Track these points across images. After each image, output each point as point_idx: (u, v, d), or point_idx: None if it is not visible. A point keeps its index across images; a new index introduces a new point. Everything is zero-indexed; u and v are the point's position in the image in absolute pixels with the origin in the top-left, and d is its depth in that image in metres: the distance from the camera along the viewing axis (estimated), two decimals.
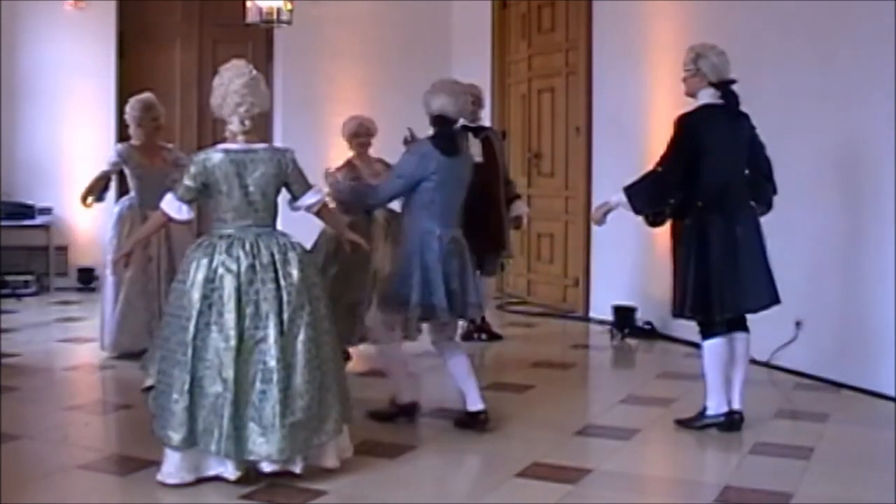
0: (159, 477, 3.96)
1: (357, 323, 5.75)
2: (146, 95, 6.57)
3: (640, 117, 7.48)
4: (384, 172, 5.83)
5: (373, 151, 6.02)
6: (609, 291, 7.81)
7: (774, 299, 4.87)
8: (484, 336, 7.16)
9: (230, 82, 4.05)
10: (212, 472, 3.97)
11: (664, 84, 6.99)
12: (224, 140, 4.12)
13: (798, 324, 5.94)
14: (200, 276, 3.94)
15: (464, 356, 4.98)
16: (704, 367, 4.86)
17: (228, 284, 3.93)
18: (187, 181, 4.07)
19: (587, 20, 8.23)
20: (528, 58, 9.17)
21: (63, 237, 9.35)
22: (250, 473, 3.97)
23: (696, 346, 5.26)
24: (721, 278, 4.68)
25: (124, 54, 9.66)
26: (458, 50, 10.05)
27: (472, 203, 6.67)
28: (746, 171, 4.85)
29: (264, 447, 3.88)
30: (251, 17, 7.04)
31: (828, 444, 4.71)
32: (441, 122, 4.78)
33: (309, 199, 4.25)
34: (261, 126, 4.22)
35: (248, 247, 3.99)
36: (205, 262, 3.97)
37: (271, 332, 3.92)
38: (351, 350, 6.00)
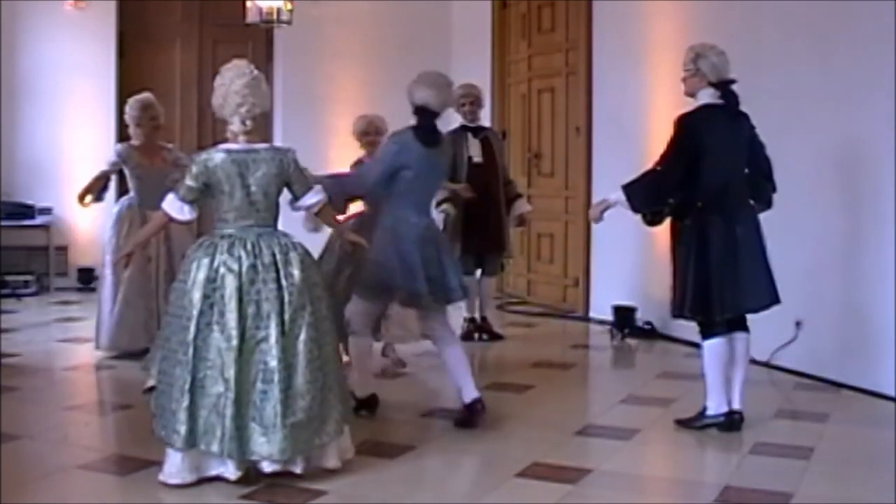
0: (161, 477, 3.96)
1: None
2: (144, 95, 6.57)
3: (640, 117, 7.48)
4: None
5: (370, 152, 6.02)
6: (609, 291, 7.81)
7: (774, 299, 4.87)
8: (485, 336, 7.16)
9: (231, 82, 4.05)
10: (212, 473, 3.97)
11: (664, 84, 6.99)
12: (225, 140, 4.12)
13: (798, 324, 5.94)
14: (202, 276, 3.94)
15: (458, 346, 5.02)
16: (704, 367, 4.86)
17: (230, 284, 3.93)
18: (189, 181, 4.07)
19: (587, 20, 8.23)
20: (528, 58, 9.18)
21: (63, 237, 9.35)
22: (250, 473, 3.97)
23: (696, 346, 5.26)
24: (721, 278, 4.68)
25: (124, 54, 9.66)
26: (458, 50, 10.05)
27: (473, 203, 6.74)
28: (746, 171, 4.84)
29: (265, 447, 3.88)
30: (251, 17, 7.04)
31: (828, 444, 4.71)
32: (423, 113, 4.86)
33: (310, 199, 4.25)
34: (262, 126, 4.22)
35: (249, 247, 3.99)
36: (206, 261, 3.97)
37: (273, 333, 3.91)
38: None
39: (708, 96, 4.77)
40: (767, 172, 4.92)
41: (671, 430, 4.92)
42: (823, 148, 5.88)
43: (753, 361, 5.32)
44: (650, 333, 7.26)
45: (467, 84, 7.11)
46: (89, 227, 8.83)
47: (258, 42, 9.78)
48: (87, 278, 9.20)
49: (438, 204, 6.47)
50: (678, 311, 4.85)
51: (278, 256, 4.00)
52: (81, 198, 6.41)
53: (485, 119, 7.65)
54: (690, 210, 4.72)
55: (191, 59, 9.97)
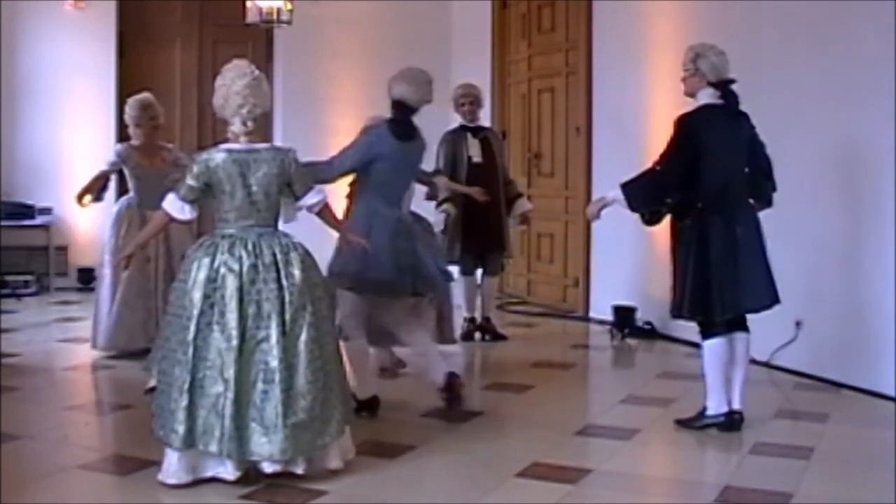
0: (160, 477, 3.96)
1: None
2: (144, 95, 6.57)
3: (640, 117, 7.48)
4: None
5: None
6: (609, 291, 7.81)
7: (774, 299, 4.87)
8: (487, 337, 7.16)
9: (233, 83, 4.05)
10: (209, 474, 3.97)
11: (664, 84, 6.99)
12: (226, 140, 4.12)
13: (798, 324, 5.94)
14: (202, 276, 3.94)
15: (426, 333, 5.10)
16: (704, 367, 4.86)
17: (230, 284, 3.92)
18: (190, 181, 4.07)
19: (587, 20, 8.23)
20: (528, 58, 9.17)
21: (63, 237, 9.35)
22: (250, 473, 3.97)
23: (696, 346, 5.26)
24: (721, 278, 4.68)
25: (124, 54, 9.66)
26: (458, 50, 10.05)
27: (472, 203, 6.75)
28: (746, 170, 4.84)
29: (266, 447, 3.88)
30: (251, 17, 7.04)
31: (828, 444, 4.71)
32: (399, 107, 4.97)
33: (311, 199, 4.25)
34: (262, 126, 4.22)
35: (250, 246, 3.99)
36: (206, 261, 3.97)
37: (273, 333, 3.91)
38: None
39: (708, 96, 4.77)
40: (768, 172, 4.92)
41: (671, 430, 4.92)
42: (823, 148, 5.88)
43: (753, 361, 5.31)
44: (650, 333, 7.26)
45: (467, 84, 7.12)
46: (89, 227, 8.83)
47: (258, 42, 9.78)
48: (87, 278, 9.20)
49: (439, 204, 6.47)
50: (677, 312, 4.85)
51: (279, 256, 4.00)
52: (80, 198, 6.41)
53: (485, 119, 7.65)
54: (690, 210, 4.72)
55: (191, 59, 9.97)
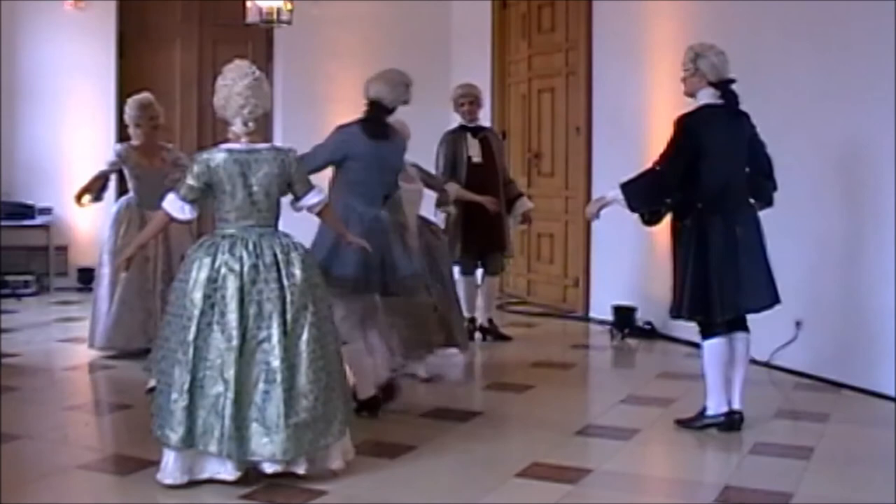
0: (157, 476, 3.95)
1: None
2: (143, 95, 6.57)
3: (640, 117, 7.48)
4: (417, 176, 5.84)
5: None
6: (609, 291, 7.81)
7: (775, 299, 4.87)
8: (489, 337, 7.15)
9: (234, 83, 4.04)
10: (206, 475, 3.96)
11: (664, 84, 6.99)
12: (226, 140, 4.12)
13: (798, 324, 5.95)
14: (203, 276, 3.94)
15: (361, 343, 5.08)
16: (704, 367, 4.86)
17: (231, 284, 3.92)
18: (190, 180, 4.06)
19: (587, 20, 8.23)
20: (528, 58, 9.17)
21: (63, 237, 9.35)
22: (249, 474, 3.97)
23: (696, 346, 5.26)
24: (721, 279, 4.68)
25: (124, 54, 9.66)
26: (458, 50, 10.05)
27: (473, 203, 6.74)
28: (747, 170, 4.84)
29: (268, 447, 3.87)
30: (251, 17, 7.04)
31: (828, 444, 4.71)
32: (373, 106, 5.04)
33: (311, 199, 4.25)
34: (262, 126, 4.22)
35: (250, 247, 3.99)
36: (207, 261, 3.97)
37: (275, 333, 3.91)
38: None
39: (708, 96, 4.77)
40: (768, 171, 4.92)
41: (671, 430, 4.92)
42: (823, 148, 5.88)
43: (753, 361, 5.31)
44: (650, 333, 7.26)
45: (466, 84, 7.12)
46: (89, 227, 8.83)
47: (258, 42, 9.78)
48: (87, 278, 9.16)
49: (439, 204, 6.47)
50: (677, 312, 4.85)
51: (280, 256, 4.00)
52: (79, 197, 6.42)
53: (485, 119, 7.65)
54: (690, 210, 4.72)
55: (191, 59, 9.97)
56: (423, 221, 6.05)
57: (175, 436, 3.87)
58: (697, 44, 4.84)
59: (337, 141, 4.97)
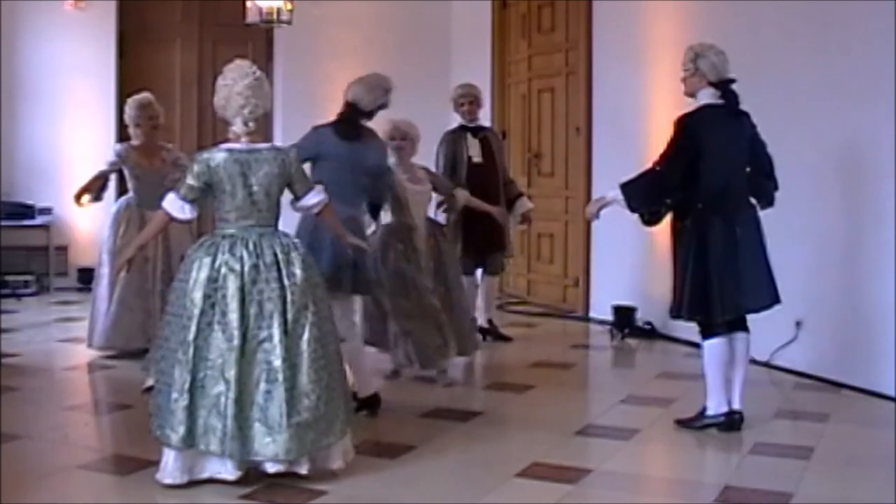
0: (157, 476, 3.95)
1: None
2: (142, 95, 6.57)
3: (640, 117, 7.48)
4: (425, 178, 5.82)
5: None
6: (609, 291, 7.81)
7: (775, 299, 4.87)
8: (489, 338, 7.14)
9: (235, 83, 4.04)
10: (206, 475, 3.96)
11: (664, 84, 6.99)
12: (226, 140, 4.12)
13: (798, 324, 5.95)
14: (203, 276, 3.94)
15: (359, 342, 5.11)
16: (704, 367, 4.86)
17: (231, 284, 3.92)
18: (190, 180, 4.06)
19: (587, 20, 8.23)
20: (528, 58, 9.17)
21: (63, 237, 9.35)
22: (249, 473, 3.97)
23: (696, 346, 5.26)
24: (721, 279, 4.67)
25: (124, 54, 9.66)
26: (458, 50, 10.06)
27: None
28: (748, 170, 4.84)
29: (271, 447, 3.87)
30: (251, 17, 7.04)
31: (828, 444, 4.71)
32: (348, 108, 5.08)
33: (311, 198, 4.25)
34: (262, 126, 4.22)
35: (251, 246, 3.99)
36: (207, 261, 3.97)
37: (276, 332, 3.91)
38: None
39: (708, 96, 4.76)
40: (769, 171, 4.92)
41: (671, 430, 4.92)
42: (823, 148, 5.88)
43: (753, 361, 5.32)
44: (650, 333, 7.26)
45: (466, 84, 7.11)
46: (89, 227, 8.83)
47: (258, 42, 9.78)
48: (87, 278, 9.15)
49: (439, 205, 6.47)
50: (677, 312, 4.85)
51: (280, 256, 4.00)
52: (78, 197, 6.42)
53: (485, 119, 7.65)
54: (690, 211, 4.72)
55: (191, 59, 9.97)
56: (433, 223, 6.04)
57: (175, 436, 3.87)
58: (697, 44, 4.84)
59: (310, 140, 5.00)
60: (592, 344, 7.44)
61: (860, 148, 5.68)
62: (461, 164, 6.85)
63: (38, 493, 3.92)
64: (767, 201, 4.91)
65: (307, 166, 4.99)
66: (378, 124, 5.91)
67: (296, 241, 4.12)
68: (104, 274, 6.42)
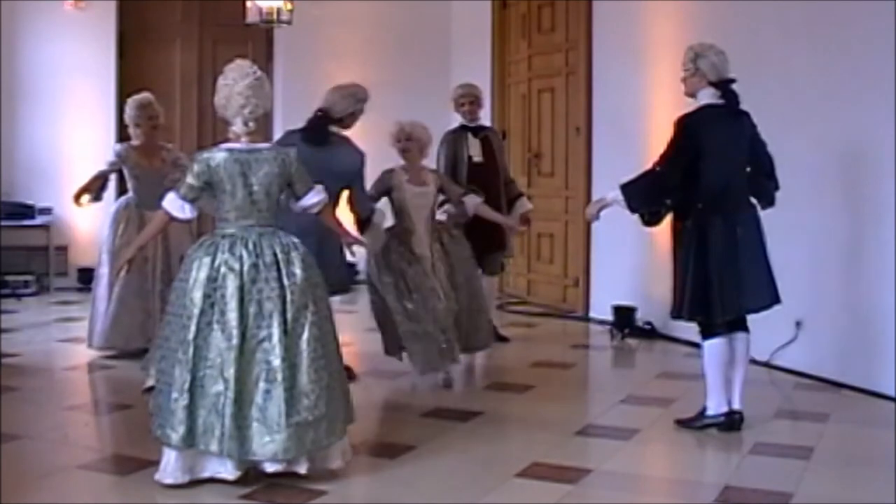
0: (157, 476, 3.95)
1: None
2: (142, 95, 6.57)
3: (640, 117, 7.48)
4: (431, 182, 5.78)
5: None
6: (609, 291, 7.81)
7: (775, 299, 4.86)
8: None
9: (235, 83, 4.04)
10: (207, 474, 3.96)
11: (664, 84, 6.99)
12: (226, 140, 4.12)
13: (798, 324, 5.95)
14: (203, 275, 3.94)
15: None
16: (704, 367, 4.86)
17: (231, 283, 3.92)
18: (190, 179, 4.06)
19: (587, 20, 8.23)
20: (528, 58, 9.18)
21: (63, 237, 9.35)
22: (249, 473, 3.97)
23: (696, 346, 5.26)
24: (721, 279, 4.67)
25: (124, 54, 9.67)
26: (458, 50, 10.06)
27: None
28: (748, 170, 4.84)
29: (270, 447, 3.87)
30: (251, 17, 7.04)
31: (828, 444, 4.71)
32: (318, 114, 5.21)
33: (311, 198, 4.25)
34: (263, 126, 4.22)
35: (250, 246, 3.99)
36: (207, 260, 3.97)
37: (275, 332, 3.91)
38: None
39: (708, 96, 4.76)
40: (770, 171, 4.92)
41: (671, 430, 4.92)
42: (823, 148, 5.88)
43: (753, 361, 5.32)
44: (650, 333, 7.26)
45: (467, 84, 7.11)
46: (89, 227, 8.82)
47: (258, 42, 9.79)
48: (87, 278, 9.14)
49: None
50: (677, 313, 4.85)
51: (280, 256, 4.00)
52: (77, 197, 6.42)
53: (484, 119, 7.64)
54: (690, 211, 4.72)
55: (191, 59, 9.97)
56: (441, 225, 6.00)
57: (176, 435, 3.87)
58: (697, 44, 4.84)
59: (281, 143, 5.03)
60: (592, 344, 7.44)
61: (860, 148, 5.68)
62: (461, 164, 6.85)
63: (38, 493, 3.92)
64: (768, 201, 4.91)
65: None
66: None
67: (296, 240, 4.11)
68: (104, 274, 6.42)
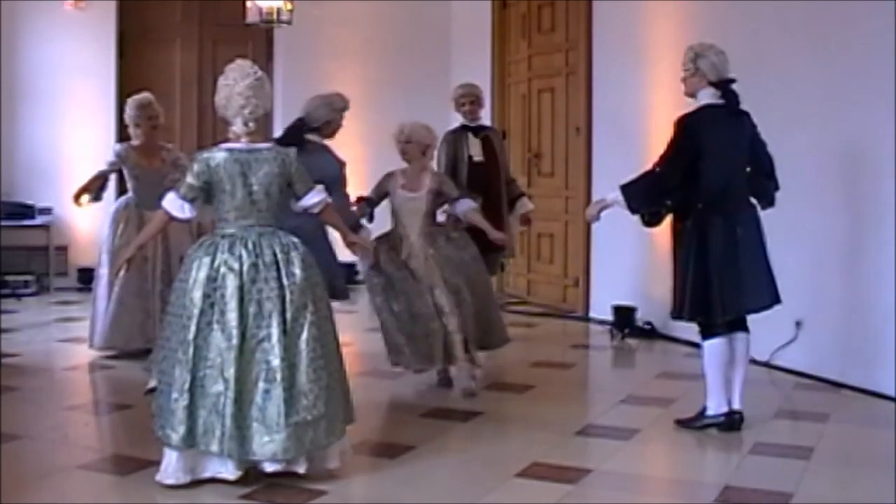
0: (157, 477, 3.95)
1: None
2: (142, 95, 6.57)
3: (640, 117, 7.48)
4: (428, 185, 5.75)
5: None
6: (609, 291, 7.81)
7: (775, 299, 4.87)
8: None
9: (235, 83, 4.04)
10: (208, 474, 3.96)
11: (664, 84, 6.99)
12: (227, 140, 4.12)
13: (798, 324, 5.95)
14: (202, 275, 3.94)
15: None
16: (704, 367, 4.86)
17: (230, 283, 3.92)
18: (190, 179, 4.06)
19: (587, 20, 8.23)
20: (528, 58, 9.17)
21: (63, 237, 9.35)
22: (250, 473, 3.97)
23: (696, 346, 5.26)
24: (721, 279, 4.67)
25: (124, 54, 9.66)
26: (458, 50, 10.06)
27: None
28: (748, 170, 4.84)
29: (269, 447, 3.87)
30: (251, 17, 7.04)
31: (828, 444, 4.71)
32: (297, 121, 5.29)
33: (312, 198, 4.25)
34: (263, 126, 4.22)
35: (250, 246, 3.99)
36: (207, 260, 3.97)
37: (274, 332, 3.91)
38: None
39: (708, 96, 4.76)
40: (769, 171, 4.92)
41: (671, 430, 4.92)
42: (823, 148, 5.88)
43: (753, 361, 5.32)
44: (650, 333, 7.26)
45: (467, 84, 7.09)
46: (89, 226, 8.82)
47: (258, 42, 9.79)
48: (87, 278, 9.15)
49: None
50: (678, 313, 4.85)
51: (279, 256, 4.00)
52: (77, 197, 6.42)
53: (484, 119, 7.64)
54: (691, 211, 4.72)
55: (191, 59, 9.97)
56: (440, 228, 5.95)
57: (176, 436, 3.87)
58: (697, 44, 4.84)
59: None
60: (592, 344, 7.44)
61: (860, 148, 5.68)
62: (462, 164, 6.83)
63: (38, 493, 3.92)
64: (768, 201, 4.91)
65: None
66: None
67: (295, 240, 4.11)
68: (104, 274, 6.42)
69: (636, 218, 4.96)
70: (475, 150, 6.88)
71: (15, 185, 9.20)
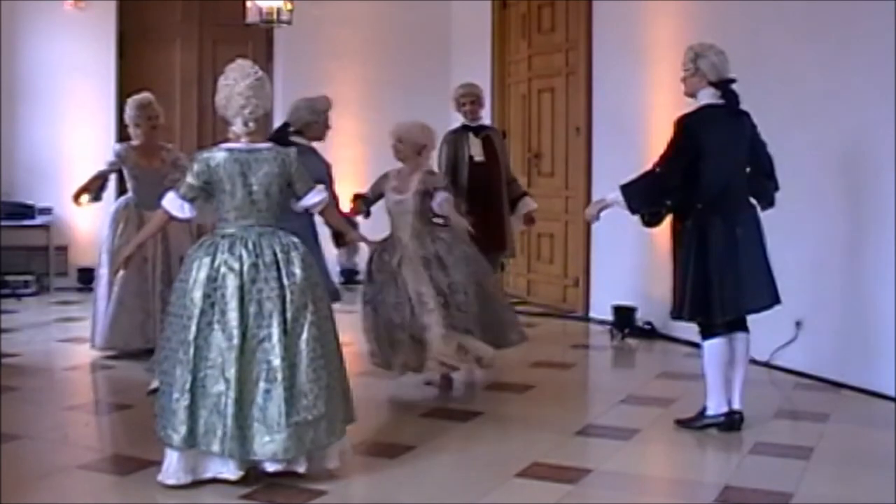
0: (159, 477, 3.95)
1: None
2: (142, 95, 6.57)
3: (640, 117, 7.48)
4: (414, 187, 5.72)
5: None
6: (609, 291, 7.81)
7: (775, 300, 4.87)
8: None
9: (236, 83, 4.04)
10: (209, 475, 3.96)
11: (664, 84, 6.99)
12: (227, 140, 4.12)
13: (798, 324, 5.95)
14: (202, 275, 3.94)
15: None
16: (704, 367, 4.86)
17: (231, 283, 3.92)
18: (190, 179, 4.07)
19: (587, 20, 8.23)
20: (528, 58, 9.17)
21: (63, 237, 9.35)
22: (250, 473, 3.97)
23: (696, 346, 5.26)
24: (721, 280, 4.67)
25: (124, 54, 9.66)
26: (458, 50, 10.06)
27: (472, 202, 6.72)
28: (748, 170, 4.84)
29: (269, 447, 3.87)
30: (251, 17, 7.04)
31: (828, 444, 4.71)
32: (283, 125, 5.43)
33: (312, 198, 4.25)
34: (263, 126, 4.22)
35: (250, 246, 3.99)
36: (207, 260, 3.97)
37: (275, 331, 3.91)
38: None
39: (708, 96, 4.76)
40: (769, 171, 4.92)
41: (671, 430, 4.92)
42: (823, 148, 5.88)
43: (753, 361, 5.32)
44: (650, 333, 7.26)
45: (468, 83, 7.09)
46: (89, 226, 8.82)
47: (258, 42, 9.78)
48: (87, 278, 9.17)
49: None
50: (678, 314, 4.85)
51: (279, 255, 4.00)
52: (77, 197, 6.42)
53: (484, 119, 7.64)
54: (690, 211, 4.72)
55: (191, 59, 9.97)
56: (435, 228, 5.92)
57: (177, 436, 3.87)
58: (697, 44, 4.84)
59: None
60: (592, 344, 7.44)
61: (860, 148, 5.68)
62: (462, 164, 6.84)
63: (38, 493, 3.92)
64: (768, 201, 4.91)
65: None
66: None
67: (296, 240, 4.11)
68: (104, 274, 6.42)
69: (636, 218, 4.96)
70: (476, 150, 6.89)
71: (15, 185, 9.20)
